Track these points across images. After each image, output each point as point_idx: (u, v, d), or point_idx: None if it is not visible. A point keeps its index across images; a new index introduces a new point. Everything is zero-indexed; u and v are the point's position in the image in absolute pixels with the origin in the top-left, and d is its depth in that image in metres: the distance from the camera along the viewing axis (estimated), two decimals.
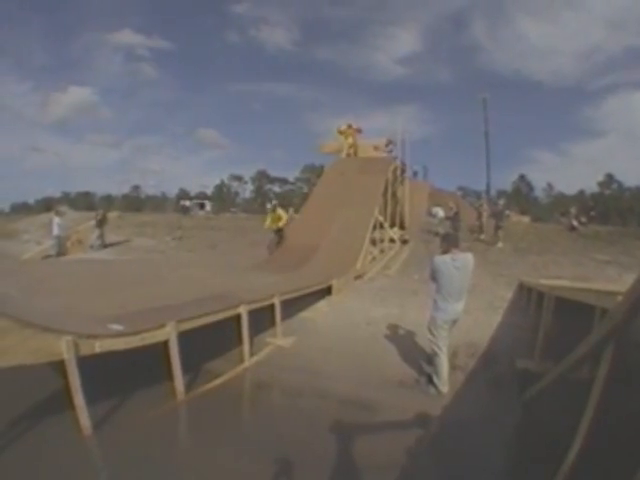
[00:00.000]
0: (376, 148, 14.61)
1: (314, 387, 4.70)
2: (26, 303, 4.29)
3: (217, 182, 78.57)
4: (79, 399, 3.48)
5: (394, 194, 13.88)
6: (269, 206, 12.57)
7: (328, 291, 7.80)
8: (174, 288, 6.40)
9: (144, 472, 3.14)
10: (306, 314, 7.04)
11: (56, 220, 13.30)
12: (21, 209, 64.97)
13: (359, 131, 15.02)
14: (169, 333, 4.18)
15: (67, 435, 3.49)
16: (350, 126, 14.63)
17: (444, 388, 4.46)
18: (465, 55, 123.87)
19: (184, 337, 4.31)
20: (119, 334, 3.80)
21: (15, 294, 4.74)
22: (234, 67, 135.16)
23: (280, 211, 11.94)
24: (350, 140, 14.57)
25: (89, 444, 3.50)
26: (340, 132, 14.68)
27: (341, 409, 4.19)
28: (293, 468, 3.07)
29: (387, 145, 14.85)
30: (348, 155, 14.36)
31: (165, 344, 4.21)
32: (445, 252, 4.47)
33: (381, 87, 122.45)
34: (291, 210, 30.79)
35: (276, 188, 76.16)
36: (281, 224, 11.67)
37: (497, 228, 13.06)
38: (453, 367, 4.77)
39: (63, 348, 3.35)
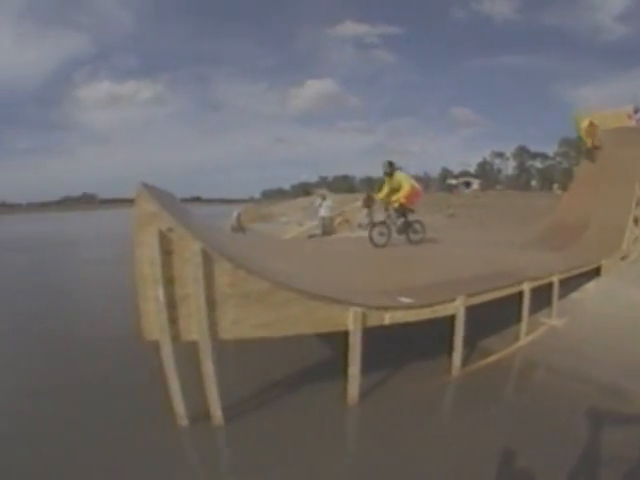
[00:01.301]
0: (629, 117, 12.28)
1: (578, 370, 4.61)
2: (307, 277, 4.40)
3: (479, 160, 76.89)
4: (354, 369, 3.60)
5: None
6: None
7: (595, 272, 7.17)
8: (456, 263, 6.47)
9: (394, 442, 3.27)
10: (576, 295, 6.63)
11: (320, 202, 14.48)
12: (274, 195, 73.47)
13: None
14: (457, 308, 4.24)
15: (332, 403, 3.74)
16: (591, 124, 12.34)
17: None
18: None
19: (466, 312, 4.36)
20: (410, 306, 3.91)
21: (295, 268, 4.95)
22: (467, 43, 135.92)
23: (400, 175, 7.83)
24: (593, 136, 12.31)
25: (352, 413, 3.71)
26: (586, 131, 12.46)
27: (599, 395, 4.09)
28: (542, 447, 3.12)
29: (636, 112, 12.30)
30: (590, 155, 12.27)
31: (452, 318, 4.27)
32: None
33: (609, 48, 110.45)
34: (555, 186, 28.58)
35: (537, 164, 71.09)
36: (401, 197, 7.62)
37: None
38: None
39: (350, 319, 3.47)
